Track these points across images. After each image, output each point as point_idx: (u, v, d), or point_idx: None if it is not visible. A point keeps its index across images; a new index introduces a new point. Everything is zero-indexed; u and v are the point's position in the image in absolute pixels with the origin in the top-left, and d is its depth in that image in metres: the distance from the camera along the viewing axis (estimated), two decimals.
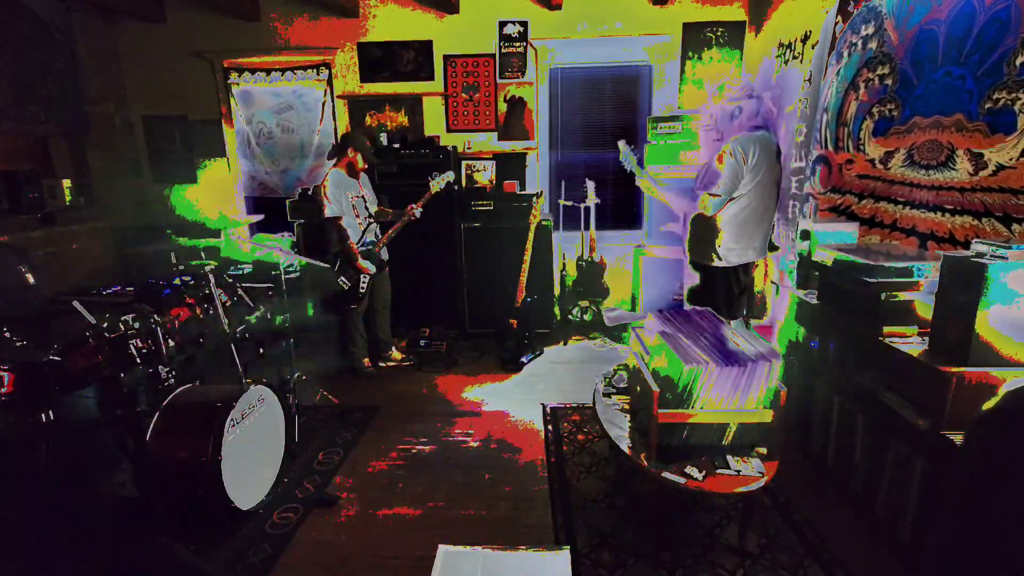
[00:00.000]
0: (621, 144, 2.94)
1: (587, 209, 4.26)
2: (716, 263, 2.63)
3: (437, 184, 3.53)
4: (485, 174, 4.69)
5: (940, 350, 1.81)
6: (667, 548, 2.03)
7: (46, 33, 4.01)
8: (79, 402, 2.18)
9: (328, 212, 3.33)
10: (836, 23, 3.04)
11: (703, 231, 2.65)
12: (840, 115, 2.97)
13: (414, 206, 3.51)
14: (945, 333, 1.78)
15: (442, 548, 1.44)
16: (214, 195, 4.87)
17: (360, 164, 3.47)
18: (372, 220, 3.59)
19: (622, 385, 2.49)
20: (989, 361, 1.68)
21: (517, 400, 3.35)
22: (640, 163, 2.99)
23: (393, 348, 3.96)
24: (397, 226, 3.54)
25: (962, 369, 1.70)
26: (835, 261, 2.31)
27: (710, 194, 2.50)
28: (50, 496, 2.05)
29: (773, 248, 2.86)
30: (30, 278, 2.59)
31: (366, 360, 3.77)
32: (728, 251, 2.60)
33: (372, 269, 3.48)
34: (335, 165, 3.45)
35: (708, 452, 1.95)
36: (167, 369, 2.24)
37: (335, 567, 2.01)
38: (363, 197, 3.55)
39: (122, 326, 2.10)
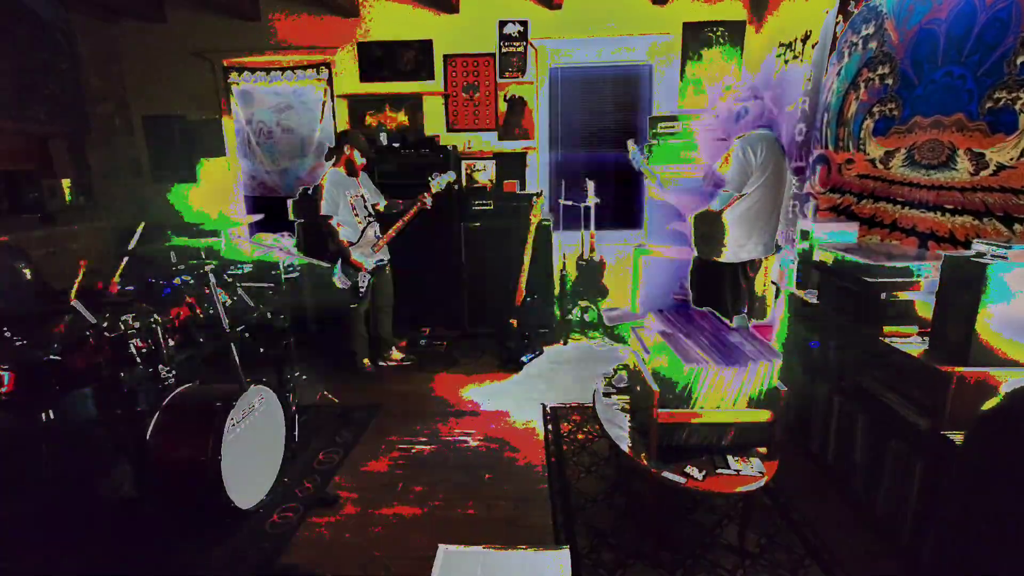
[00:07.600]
0: (630, 143, 2.93)
1: (587, 209, 4.25)
2: (725, 259, 2.67)
3: (437, 185, 3.52)
4: (485, 174, 4.69)
5: (940, 350, 1.81)
6: (667, 548, 2.03)
7: (47, 33, 4.00)
8: (79, 402, 2.18)
9: (321, 211, 3.34)
10: (837, 23, 3.04)
11: (710, 228, 2.67)
12: (841, 115, 2.97)
13: (426, 194, 3.49)
14: (945, 333, 1.78)
15: (442, 548, 1.44)
16: (214, 195, 4.87)
17: (358, 161, 3.46)
18: (372, 219, 3.58)
19: (622, 385, 2.48)
20: (989, 361, 1.68)
21: (517, 400, 3.34)
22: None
23: (393, 348, 3.96)
24: (410, 215, 3.50)
25: (962, 369, 1.70)
26: (835, 261, 2.31)
27: (721, 191, 2.56)
28: (50, 496, 2.06)
29: (778, 248, 2.88)
30: (27, 273, 2.59)
31: (366, 360, 3.77)
32: (738, 247, 2.65)
33: (367, 265, 3.48)
34: (334, 165, 3.45)
35: (708, 452, 1.95)
36: (167, 369, 2.24)
37: (335, 567, 2.01)
38: (362, 196, 3.55)
39: (122, 326, 2.10)
